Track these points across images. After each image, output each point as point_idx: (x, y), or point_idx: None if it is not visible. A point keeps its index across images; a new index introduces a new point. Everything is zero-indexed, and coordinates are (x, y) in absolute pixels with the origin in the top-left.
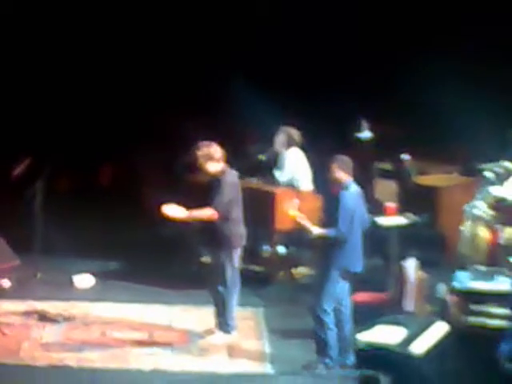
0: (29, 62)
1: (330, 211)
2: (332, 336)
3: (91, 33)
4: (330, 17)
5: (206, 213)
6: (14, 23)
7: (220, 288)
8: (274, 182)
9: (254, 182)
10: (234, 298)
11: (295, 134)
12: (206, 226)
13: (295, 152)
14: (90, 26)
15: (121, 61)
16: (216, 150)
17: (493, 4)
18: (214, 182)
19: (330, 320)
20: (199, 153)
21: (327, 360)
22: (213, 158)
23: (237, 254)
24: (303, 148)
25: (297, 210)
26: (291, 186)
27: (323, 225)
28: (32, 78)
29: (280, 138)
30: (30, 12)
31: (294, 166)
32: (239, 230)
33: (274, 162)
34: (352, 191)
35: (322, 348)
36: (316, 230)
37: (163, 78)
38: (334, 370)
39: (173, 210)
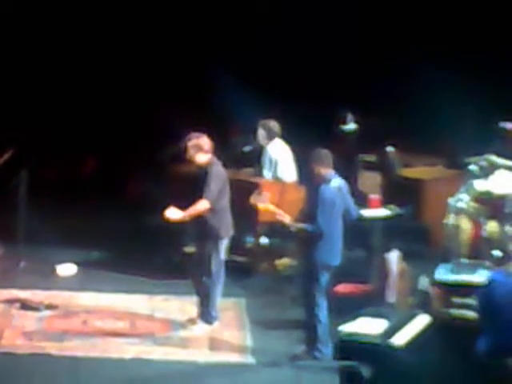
0: (13, 53)
1: (311, 204)
2: (322, 329)
3: (76, 27)
4: (313, 11)
5: (201, 206)
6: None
7: (205, 278)
8: (257, 173)
9: (238, 174)
10: (219, 288)
11: (274, 125)
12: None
13: (277, 144)
14: (76, 21)
15: (105, 51)
16: (205, 141)
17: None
18: (202, 173)
19: (321, 314)
20: (190, 143)
21: (316, 352)
22: (202, 148)
23: (223, 245)
24: (285, 139)
25: (267, 202)
26: (275, 177)
27: (306, 216)
28: (16, 68)
29: (260, 133)
30: (21, 9)
31: (277, 158)
32: (227, 220)
33: (258, 155)
34: (332, 185)
35: (311, 341)
36: (293, 224)
37: (148, 69)
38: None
39: (173, 213)
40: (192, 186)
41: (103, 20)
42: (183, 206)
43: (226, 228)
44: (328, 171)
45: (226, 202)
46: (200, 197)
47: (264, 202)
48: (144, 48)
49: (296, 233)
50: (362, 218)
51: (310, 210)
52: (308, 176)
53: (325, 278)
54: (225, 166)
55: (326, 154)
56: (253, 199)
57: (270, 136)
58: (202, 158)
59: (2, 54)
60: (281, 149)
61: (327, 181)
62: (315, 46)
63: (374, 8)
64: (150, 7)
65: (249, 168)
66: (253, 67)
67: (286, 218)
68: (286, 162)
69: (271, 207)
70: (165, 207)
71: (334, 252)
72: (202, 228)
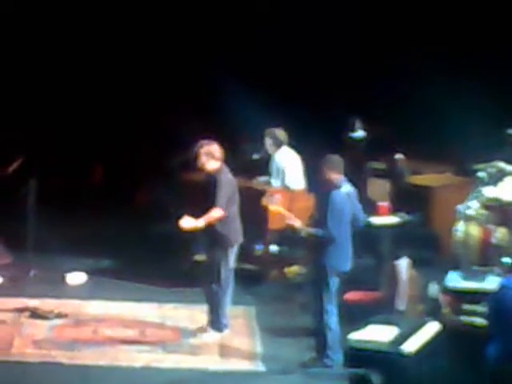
0: (21, 61)
1: (321, 210)
2: (332, 336)
3: (80, 33)
4: (320, 16)
5: (216, 214)
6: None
7: (214, 286)
8: (267, 181)
9: (247, 181)
10: (228, 296)
11: (280, 134)
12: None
13: (285, 152)
14: (80, 27)
15: (112, 58)
16: (217, 148)
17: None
18: (211, 181)
19: (331, 320)
20: (201, 150)
21: (326, 360)
22: (214, 156)
23: (233, 253)
24: (293, 146)
25: (279, 205)
26: (283, 185)
27: (316, 223)
28: (24, 77)
29: (267, 142)
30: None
31: (284, 166)
32: (236, 228)
33: (267, 163)
34: (343, 191)
35: (321, 348)
36: (304, 229)
37: (155, 76)
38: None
39: (188, 222)
40: (201, 193)
41: (115, 29)
42: (193, 214)
43: (236, 235)
44: (339, 177)
45: (235, 209)
46: (211, 205)
47: (276, 204)
48: (153, 55)
49: (306, 238)
50: (371, 226)
51: (320, 216)
52: (317, 182)
53: (334, 284)
54: (234, 173)
55: (338, 159)
56: (265, 201)
57: (277, 144)
58: (212, 165)
59: (10, 62)
60: (288, 157)
61: (338, 186)
62: (326, 55)
63: (389, 13)
64: (158, 17)
65: (258, 176)
66: (261, 74)
67: (297, 223)
68: (294, 169)
69: (282, 210)
70: (176, 215)
71: (343, 257)
72: (211, 236)
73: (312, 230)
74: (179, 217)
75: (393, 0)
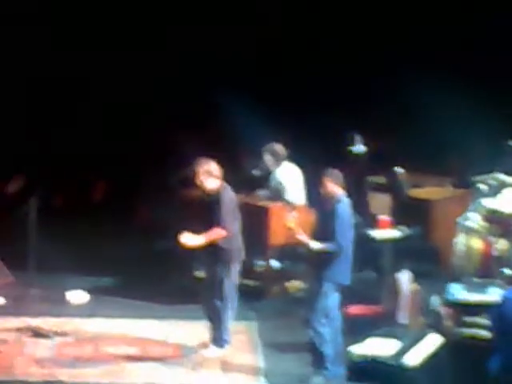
0: (21, 75)
1: (323, 225)
2: (328, 348)
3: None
4: (320, 30)
5: (218, 234)
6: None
7: (217, 302)
8: (267, 196)
9: (248, 198)
10: (230, 312)
11: (280, 149)
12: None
13: (285, 167)
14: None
15: (113, 73)
16: (215, 166)
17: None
18: (213, 199)
19: (326, 332)
20: (200, 169)
21: (324, 371)
22: (212, 174)
23: (236, 269)
24: (293, 161)
25: (295, 222)
26: (284, 200)
27: (317, 238)
28: (25, 94)
29: (266, 158)
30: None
31: (285, 181)
32: (238, 244)
33: (267, 178)
34: (345, 204)
35: (318, 360)
36: (314, 245)
37: (156, 94)
38: (329, 381)
39: (189, 239)
40: (202, 210)
41: (118, 46)
42: (194, 231)
43: (238, 252)
44: (340, 190)
45: (236, 226)
46: (212, 223)
47: (291, 222)
48: (153, 73)
49: (309, 253)
50: (372, 239)
51: (324, 231)
52: (317, 198)
53: (334, 297)
54: (235, 189)
55: (339, 173)
56: (284, 219)
57: (277, 160)
58: (211, 183)
59: (7, 76)
60: (289, 172)
61: (340, 200)
62: (324, 68)
63: (389, 26)
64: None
65: (260, 191)
66: (260, 89)
67: (307, 239)
68: (295, 185)
69: (296, 227)
70: (178, 232)
71: (344, 270)
72: (213, 252)
73: (323, 246)
74: (179, 233)
75: (395, 17)
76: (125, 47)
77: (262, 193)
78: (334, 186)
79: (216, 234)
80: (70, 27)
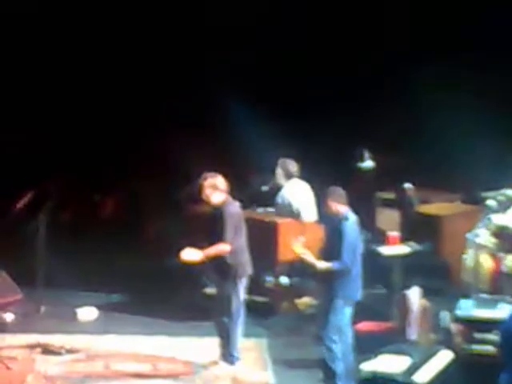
0: (28, 90)
1: (331, 242)
2: (340, 365)
3: (87, 65)
4: (328, 45)
5: (222, 249)
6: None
7: (225, 319)
8: (276, 212)
9: (256, 213)
10: (239, 329)
11: (292, 165)
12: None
13: (295, 183)
14: (87, 63)
15: (120, 89)
16: (220, 180)
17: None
18: (217, 213)
19: (338, 349)
20: (205, 183)
21: None
22: (218, 188)
23: (242, 285)
24: (303, 178)
25: (302, 246)
26: (292, 217)
27: (325, 255)
28: (31, 108)
29: (278, 172)
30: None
31: (293, 198)
32: (244, 260)
33: (275, 194)
34: (352, 221)
35: (330, 377)
36: (320, 265)
37: (164, 109)
38: None
39: (190, 255)
40: (208, 225)
41: (126, 53)
42: (200, 246)
43: (244, 267)
44: (345, 208)
45: (242, 241)
46: (217, 238)
47: (299, 247)
48: (161, 86)
49: (320, 272)
50: (381, 255)
51: (331, 248)
52: (325, 214)
53: (345, 313)
54: (243, 205)
55: (341, 190)
56: (291, 243)
57: (288, 175)
58: (217, 197)
59: (16, 90)
60: (298, 188)
61: (346, 217)
62: (334, 84)
63: (395, 39)
64: (167, 46)
65: (268, 207)
66: (270, 104)
67: (313, 258)
68: (304, 201)
69: (304, 251)
70: (181, 248)
71: (354, 287)
72: (220, 268)
73: (329, 265)
74: (181, 249)
75: (398, 31)
76: (129, 59)
77: (269, 210)
78: (338, 205)
79: (219, 249)
80: (69, 27)
